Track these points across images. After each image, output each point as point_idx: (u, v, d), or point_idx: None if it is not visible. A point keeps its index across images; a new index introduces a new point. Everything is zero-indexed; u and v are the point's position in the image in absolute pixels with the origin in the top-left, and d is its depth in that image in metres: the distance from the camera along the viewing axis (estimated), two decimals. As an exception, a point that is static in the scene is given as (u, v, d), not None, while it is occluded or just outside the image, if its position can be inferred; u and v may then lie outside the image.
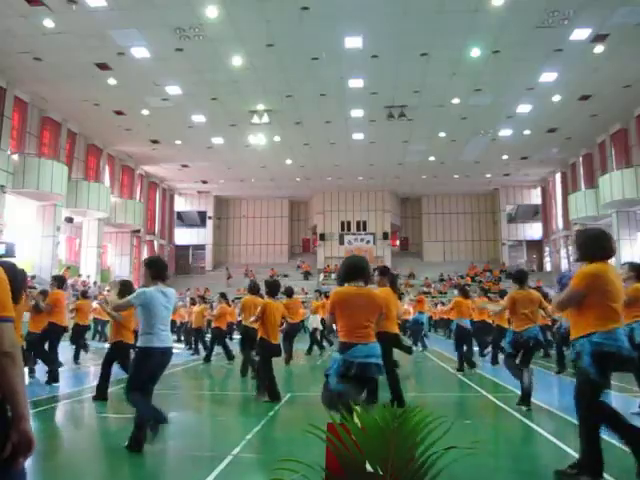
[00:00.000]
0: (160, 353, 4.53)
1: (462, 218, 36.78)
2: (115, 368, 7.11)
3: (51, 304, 8.53)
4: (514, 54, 16.11)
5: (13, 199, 19.98)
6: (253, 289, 9.07)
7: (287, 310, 13.19)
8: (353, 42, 15.70)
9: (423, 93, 19.19)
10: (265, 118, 20.91)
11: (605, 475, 3.71)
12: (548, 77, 17.85)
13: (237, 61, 16.79)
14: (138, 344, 4.64)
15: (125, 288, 6.71)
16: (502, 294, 12.17)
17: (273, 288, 7.49)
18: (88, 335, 13.27)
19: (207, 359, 11.83)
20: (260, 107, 20.56)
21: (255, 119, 21.07)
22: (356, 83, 18.51)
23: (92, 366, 10.98)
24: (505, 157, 27.27)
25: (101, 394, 6.83)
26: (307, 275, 33.82)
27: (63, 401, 7.01)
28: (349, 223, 35.89)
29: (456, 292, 15.19)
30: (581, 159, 26.63)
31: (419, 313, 14.95)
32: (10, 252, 18.05)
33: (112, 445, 4.87)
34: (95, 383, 7.11)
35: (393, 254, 35.72)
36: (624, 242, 23.16)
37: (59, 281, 9.19)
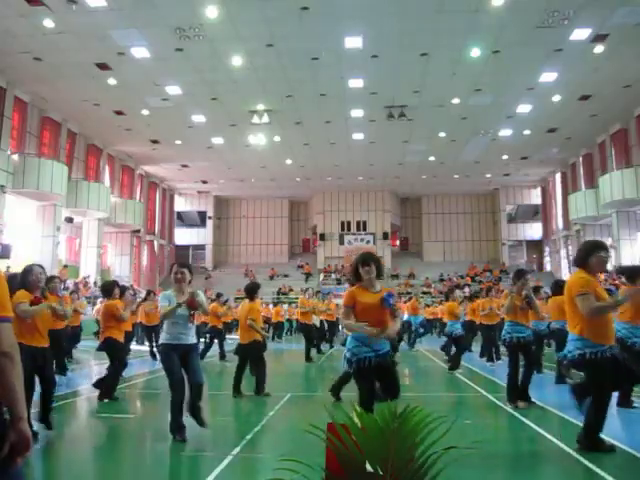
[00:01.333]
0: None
1: (462, 218, 36.79)
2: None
3: None
4: (514, 54, 16.11)
5: (13, 199, 19.98)
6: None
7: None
8: (353, 42, 15.70)
9: (423, 93, 19.20)
10: (265, 118, 20.92)
11: (604, 474, 3.72)
12: (548, 77, 17.85)
13: (237, 61, 16.80)
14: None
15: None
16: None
17: (249, 291, 7.70)
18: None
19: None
20: (260, 107, 20.56)
21: (255, 119, 21.08)
22: (356, 83, 18.51)
23: (88, 366, 10.98)
24: (505, 157, 27.27)
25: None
26: (308, 276, 33.78)
27: (62, 401, 7.00)
28: (349, 223, 35.90)
29: (458, 292, 15.32)
30: (581, 159, 26.64)
31: (413, 316, 15.45)
32: (5, 254, 18.01)
33: (112, 445, 4.87)
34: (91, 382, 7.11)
35: (393, 254, 35.73)
36: (624, 242, 23.19)
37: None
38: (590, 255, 4.27)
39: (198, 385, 4.86)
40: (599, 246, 4.35)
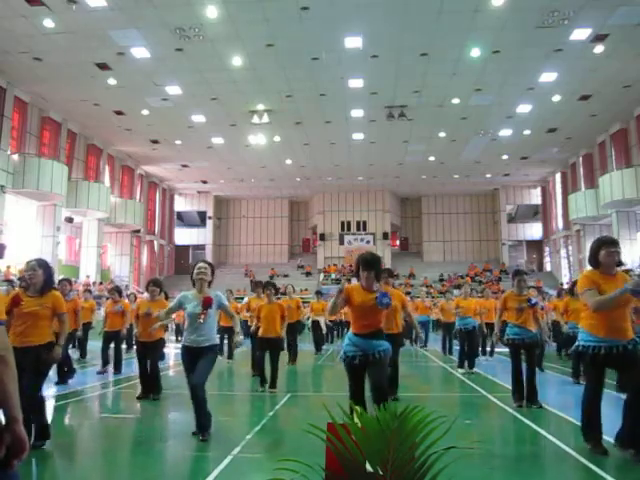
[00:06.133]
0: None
1: (462, 218, 36.80)
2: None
3: None
4: (514, 54, 16.11)
5: (13, 199, 19.99)
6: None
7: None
8: (353, 42, 15.70)
9: (423, 93, 19.20)
10: (265, 118, 20.92)
11: (603, 474, 3.72)
12: (548, 77, 17.85)
13: (237, 61, 16.80)
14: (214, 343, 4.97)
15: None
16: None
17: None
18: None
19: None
20: (260, 107, 20.57)
21: (255, 119, 21.09)
22: (356, 83, 18.52)
23: (90, 366, 10.99)
24: (505, 157, 27.28)
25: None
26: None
27: (62, 401, 7.01)
28: (349, 223, 35.92)
29: (456, 292, 15.24)
30: (581, 159, 26.63)
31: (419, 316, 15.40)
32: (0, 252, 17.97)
33: (112, 445, 4.87)
34: (92, 384, 7.11)
35: (393, 254, 35.74)
36: (624, 242, 23.14)
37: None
38: (598, 252, 4.32)
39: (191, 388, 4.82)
40: (605, 242, 4.38)
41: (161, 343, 7.44)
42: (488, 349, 12.31)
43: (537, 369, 7.22)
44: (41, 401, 4.60)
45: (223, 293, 5.35)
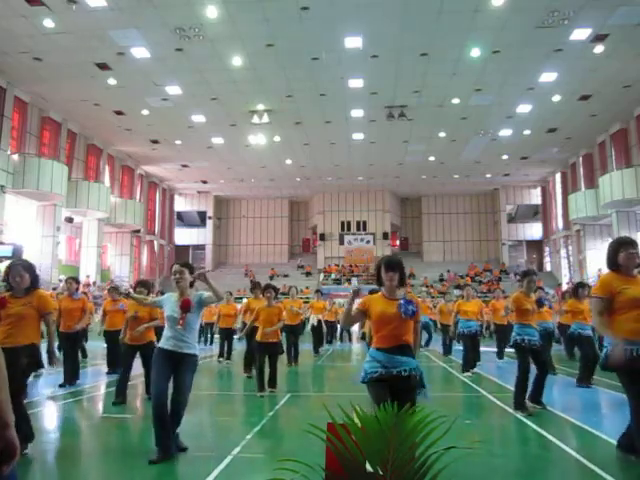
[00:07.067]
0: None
1: (462, 218, 36.81)
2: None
3: None
4: (514, 54, 16.12)
5: (13, 199, 19.99)
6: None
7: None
8: (353, 42, 15.71)
9: (423, 93, 19.21)
10: (265, 118, 20.93)
11: (603, 474, 3.72)
12: (548, 77, 17.86)
13: (237, 61, 16.81)
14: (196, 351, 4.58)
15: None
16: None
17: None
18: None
19: None
20: (260, 107, 20.57)
21: (255, 119, 21.09)
22: (356, 83, 18.52)
23: (90, 366, 10.99)
24: (505, 157, 27.29)
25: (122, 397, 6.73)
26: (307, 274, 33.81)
27: (62, 401, 7.01)
28: (349, 223, 35.93)
29: (456, 292, 15.22)
30: (581, 159, 26.64)
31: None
32: (17, 254, 18.03)
33: (112, 445, 4.86)
34: (92, 384, 7.10)
35: (393, 254, 35.73)
36: (624, 242, 23.15)
37: None
38: (617, 254, 4.06)
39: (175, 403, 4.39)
40: (624, 243, 4.12)
41: (152, 346, 7.08)
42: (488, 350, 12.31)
43: (550, 372, 7.13)
44: (22, 404, 4.43)
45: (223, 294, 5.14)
